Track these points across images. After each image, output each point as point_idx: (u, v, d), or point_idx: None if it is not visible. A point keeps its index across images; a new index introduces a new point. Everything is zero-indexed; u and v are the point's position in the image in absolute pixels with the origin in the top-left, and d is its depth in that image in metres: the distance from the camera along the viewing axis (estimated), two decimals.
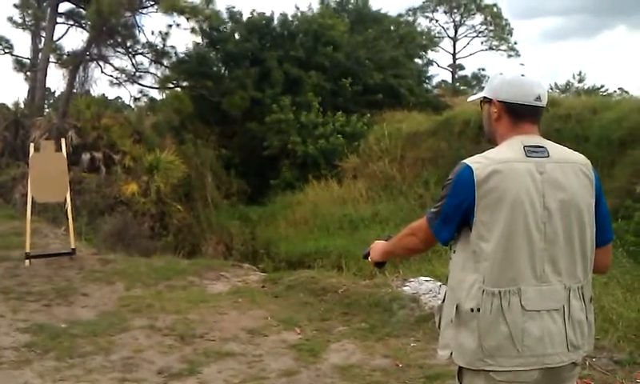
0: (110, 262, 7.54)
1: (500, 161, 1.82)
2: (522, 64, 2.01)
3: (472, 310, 1.81)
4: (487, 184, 1.80)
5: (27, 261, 7.10)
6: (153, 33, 18.33)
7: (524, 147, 1.85)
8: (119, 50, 17.31)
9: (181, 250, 11.93)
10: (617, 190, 9.78)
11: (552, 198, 1.82)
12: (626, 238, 8.25)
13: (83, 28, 17.35)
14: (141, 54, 17.77)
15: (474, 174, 1.81)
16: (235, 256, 12.84)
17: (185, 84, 18.73)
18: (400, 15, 29.00)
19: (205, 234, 14.75)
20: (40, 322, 5.32)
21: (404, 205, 13.91)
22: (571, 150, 1.94)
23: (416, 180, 14.84)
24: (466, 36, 37.18)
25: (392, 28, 22.51)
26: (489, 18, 35.94)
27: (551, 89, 27.85)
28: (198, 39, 18.70)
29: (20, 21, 19.05)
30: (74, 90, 17.09)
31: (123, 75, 17.86)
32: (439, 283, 5.66)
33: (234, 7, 19.43)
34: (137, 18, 17.17)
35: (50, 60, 16.96)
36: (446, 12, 36.87)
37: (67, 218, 7.83)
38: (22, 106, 16.64)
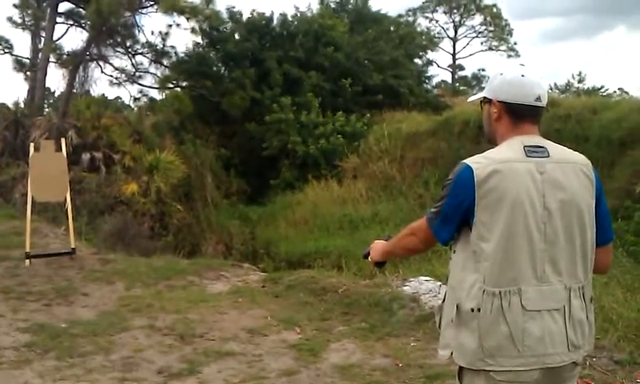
0: (110, 262, 7.54)
1: (500, 161, 1.83)
2: (522, 64, 2.01)
3: (472, 310, 1.82)
4: (487, 184, 1.80)
5: (27, 260, 7.10)
6: (153, 33, 18.40)
7: (524, 147, 1.85)
8: (119, 49, 17.33)
9: (181, 250, 11.93)
10: (617, 190, 9.78)
11: (552, 198, 1.82)
12: (626, 238, 8.25)
13: (83, 28, 17.35)
14: (141, 53, 17.79)
15: (474, 174, 1.81)
16: (235, 256, 12.83)
17: (185, 84, 18.72)
18: (400, 15, 29.05)
19: (205, 234, 14.75)
20: (40, 322, 5.32)
21: (404, 205, 13.91)
22: (571, 150, 1.94)
23: (416, 180, 14.85)
24: (465, 36, 37.26)
25: (392, 28, 22.50)
26: (488, 19, 35.94)
27: (551, 89, 27.90)
28: (198, 39, 18.74)
29: (20, 21, 19.05)
30: (74, 90, 17.09)
31: (123, 75, 17.89)
32: (439, 283, 5.67)
33: (233, 7, 19.47)
34: (137, 17, 17.20)
35: (50, 60, 16.96)
36: (445, 12, 36.91)
37: (67, 218, 7.83)
38: (22, 105, 16.63)
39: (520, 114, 1.91)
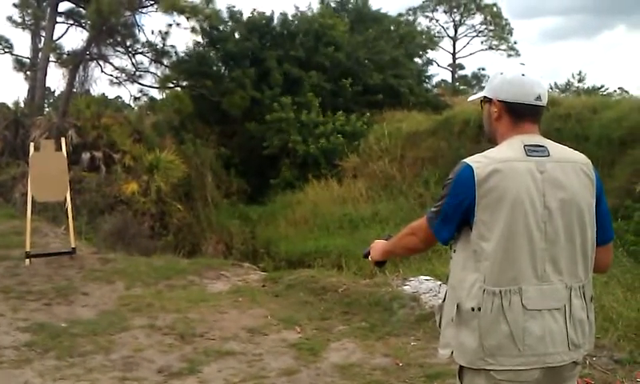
0: (110, 262, 7.54)
1: (500, 160, 1.82)
2: (522, 64, 2.01)
3: (473, 309, 1.82)
4: (487, 183, 1.80)
5: (27, 260, 7.11)
6: (153, 32, 18.41)
7: (524, 146, 1.85)
8: (119, 49, 17.32)
9: (181, 250, 11.92)
10: (617, 189, 9.77)
11: (552, 198, 1.82)
12: (626, 238, 8.25)
13: (83, 27, 17.35)
14: (141, 53, 17.78)
15: (474, 174, 1.81)
16: (235, 255, 12.84)
17: (185, 83, 18.71)
18: (400, 15, 29.08)
19: (205, 234, 14.75)
20: (40, 321, 5.32)
21: (404, 204, 13.91)
22: (572, 150, 1.94)
23: (416, 179, 14.84)
24: (465, 35, 37.28)
25: (392, 28, 22.49)
26: (489, 18, 35.96)
27: (551, 88, 27.86)
28: (198, 39, 18.73)
29: (20, 20, 19.04)
30: (74, 90, 17.09)
31: (123, 74, 17.88)
32: (439, 282, 5.67)
33: (234, 7, 19.47)
34: (137, 17, 17.20)
35: (50, 59, 16.95)
36: (445, 12, 36.92)
37: (67, 217, 7.83)
38: (22, 105, 16.63)
39: (520, 114, 1.91)
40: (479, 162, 1.83)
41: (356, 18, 21.65)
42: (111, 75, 17.70)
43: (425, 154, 15.35)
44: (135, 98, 19.18)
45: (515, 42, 36.15)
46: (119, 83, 18.03)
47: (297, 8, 20.69)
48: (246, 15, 19.65)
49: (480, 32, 36.59)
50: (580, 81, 29.17)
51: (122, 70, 17.77)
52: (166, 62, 17.98)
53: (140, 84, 18.26)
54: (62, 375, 4.20)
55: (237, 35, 19.54)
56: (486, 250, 1.81)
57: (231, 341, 4.94)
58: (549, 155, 1.85)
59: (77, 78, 17.00)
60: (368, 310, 5.59)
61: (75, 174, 12.39)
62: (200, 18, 16.56)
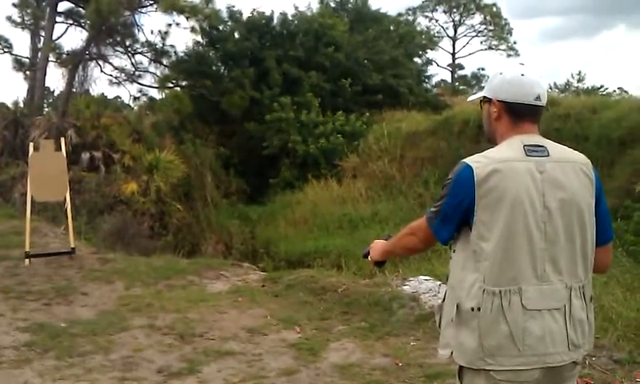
0: (110, 262, 7.54)
1: (500, 160, 1.82)
2: (522, 63, 2.01)
3: (472, 310, 1.81)
4: (487, 183, 1.80)
5: (27, 260, 7.10)
6: (152, 32, 18.43)
7: (524, 146, 1.85)
8: (118, 49, 17.31)
9: (180, 250, 11.92)
10: (616, 189, 9.77)
11: (552, 198, 1.82)
12: (626, 238, 8.25)
13: (82, 27, 17.34)
14: (140, 53, 17.76)
15: (474, 174, 1.81)
16: (235, 255, 12.84)
17: (184, 83, 18.70)
18: (399, 15, 29.12)
19: (204, 234, 14.75)
20: (40, 321, 5.32)
21: (403, 204, 13.91)
22: (571, 150, 1.94)
23: (415, 179, 14.84)
24: (465, 35, 37.29)
25: (391, 27, 22.51)
26: (488, 18, 35.97)
27: (551, 88, 27.93)
28: (198, 38, 18.72)
29: (19, 20, 19.03)
30: (74, 90, 17.08)
31: (122, 74, 17.87)
32: (439, 282, 5.67)
33: (233, 6, 19.48)
34: (136, 17, 17.20)
35: (50, 59, 16.94)
36: (445, 11, 36.92)
37: (67, 217, 7.83)
38: (22, 105, 16.64)
39: (520, 114, 1.91)
40: (479, 162, 1.83)
41: (355, 17, 21.65)
42: (110, 75, 17.73)
43: (424, 154, 15.35)
44: (135, 98, 19.21)
45: (515, 42, 36.24)
46: (118, 83, 18.05)
47: (296, 8, 20.77)
48: (245, 15, 19.70)
49: (479, 32, 36.65)
50: (579, 81, 29.27)
51: (122, 70, 17.79)
52: (165, 61, 17.98)
53: (139, 84, 18.28)
54: (61, 375, 4.20)
55: (236, 35, 19.54)
56: (485, 250, 1.81)
57: (231, 341, 4.94)
58: (548, 155, 1.85)
59: (76, 78, 17.00)
60: (367, 310, 5.59)
61: (75, 174, 12.38)
62: (199, 17, 16.56)
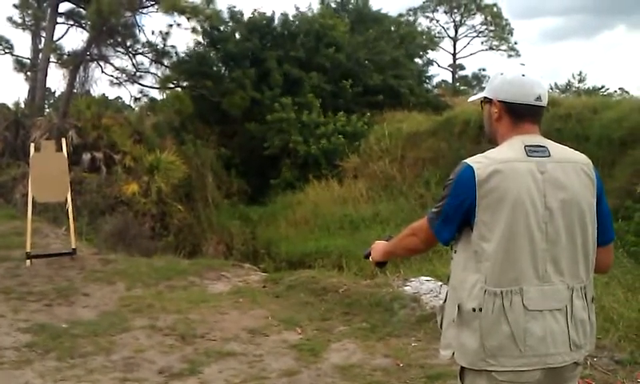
0: (111, 262, 7.54)
1: (501, 160, 1.82)
2: (523, 64, 2.01)
3: (474, 310, 1.81)
4: (488, 184, 1.80)
5: (28, 261, 7.11)
6: (153, 32, 18.36)
7: (525, 147, 1.85)
8: (119, 49, 17.32)
9: (181, 250, 11.93)
10: (617, 190, 9.77)
11: (553, 198, 1.82)
12: (627, 238, 8.26)
13: (83, 28, 17.35)
14: (141, 53, 17.78)
15: (475, 174, 1.81)
16: (236, 256, 12.84)
17: (185, 84, 18.72)
18: (400, 15, 29.06)
19: (205, 234, 14.76)
20: (41, 322, 5.32)
21: (404, 205, 13.90)
22: (572, 150, 1.94)
23: (416, 180, 14.84)
24: (466, 36, 37.28)
25: (392, 28, 22.48)
26: (489, 18, 35.96)
27: (551, 89, 27.89)
28: (199, 39, 18.73)
29: (20, 21, 19.06)
30: (75, 90, 17.10)
31: (123, 75, 17.88)
32: (440, 283, 5.67)
33: (234, 7, 19.47)
34: (137, 17, 17.19)
35: (51, 60, 16.97)
36: (446, 12, 36.92)
37: (68, 218, 7.83)
38: (23, 106, 16.63)
39: (520, 114, 1.91)
40: (480, 162, 1.83)
41: (356, 18, 21.65)
42: (111, 76, 17.74)
43: (425, 155, 15.35)
44: (136, 99, 19.23)
45: (515, 43, 36.24)
46: (119, 84, 18.06)
47: (297, 8, 20.72)
48: (246, 16, 19.70)
49: (480, 32, 36.64)
50: (580, 81, 29.24)
51: (123, 71, 17.80)
52: (166, 62, 17.99)
53: (140, 84, 18.30)
54: (62, 376, 4.20)
55: (237, 36, 19.55)
56: (486, 250, 1.81)
57: (232, 341, 4.94)
58: (549, 155, 1.85)
59: (77, 79, 17.01)
60: (369, 310, 5.59)
61: (76, 174, 12.39)
62: (200, 18, 16.57)
